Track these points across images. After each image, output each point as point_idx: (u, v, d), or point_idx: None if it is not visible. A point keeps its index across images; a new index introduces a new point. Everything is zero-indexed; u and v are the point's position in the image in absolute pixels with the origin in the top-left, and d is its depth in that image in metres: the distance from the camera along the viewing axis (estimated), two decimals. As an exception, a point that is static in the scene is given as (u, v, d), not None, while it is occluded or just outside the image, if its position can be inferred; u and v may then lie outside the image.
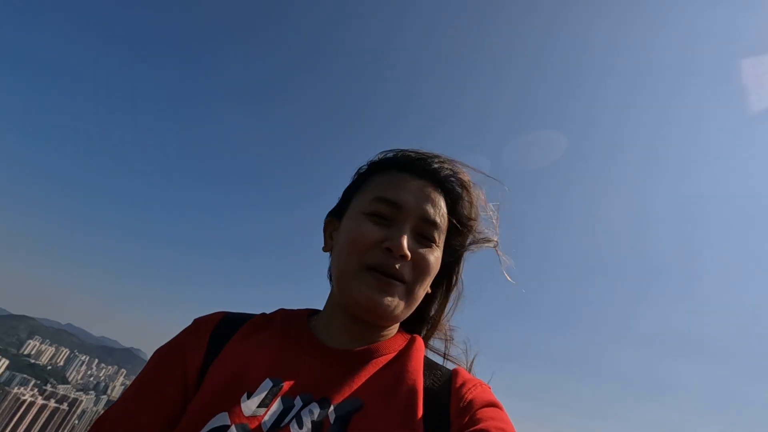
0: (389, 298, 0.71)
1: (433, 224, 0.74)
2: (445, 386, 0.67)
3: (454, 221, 0.77)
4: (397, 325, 0.75)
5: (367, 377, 0.64)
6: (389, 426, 0.60)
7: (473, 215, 0.79)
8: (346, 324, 0.71)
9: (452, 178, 0.78)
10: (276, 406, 0.57)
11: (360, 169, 0.82)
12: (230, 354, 0.65)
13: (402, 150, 0.80)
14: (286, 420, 0.56)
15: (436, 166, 0.77)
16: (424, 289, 0.73)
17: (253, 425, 0.55)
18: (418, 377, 0.67)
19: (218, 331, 0.69)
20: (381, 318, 0.71)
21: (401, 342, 0.71)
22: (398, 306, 0.71)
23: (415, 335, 0.74)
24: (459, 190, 0.79)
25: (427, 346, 0.78)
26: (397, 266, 0.72)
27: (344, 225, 0.74)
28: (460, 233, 0.79)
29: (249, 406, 0.58)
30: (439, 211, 0.75)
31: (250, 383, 0.61)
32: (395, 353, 0.69)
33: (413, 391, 0.66)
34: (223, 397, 0.60)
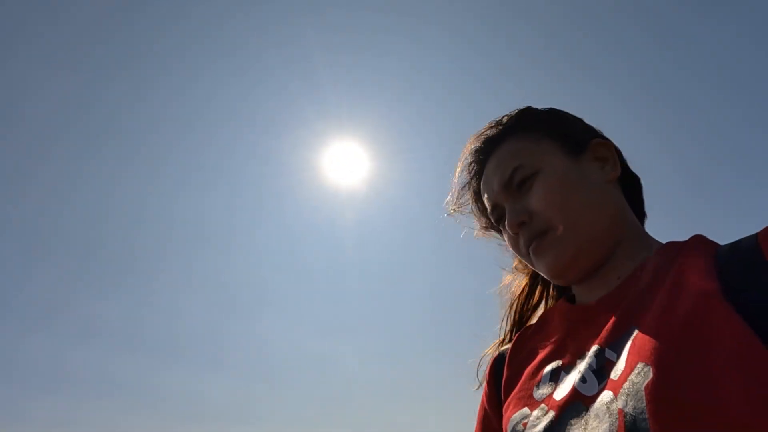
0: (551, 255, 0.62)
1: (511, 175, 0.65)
2: (747, 246, 0.50)
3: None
4: (626, 242, 0.62)
5: (630, 307, 0.55)
6: (673, 319, 0.47)
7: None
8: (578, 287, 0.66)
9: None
10: (561, 379, 0.56)
11: None
12: (509, 377, 0.66)
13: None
14: (571, 383, 0.54)
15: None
16: (575, 207, 0.61)
17: (548, 402, 0.54)
18: (694, 261, 0.53)
19: (494, 369, 0.71)
20: (568, 274, 0.62)
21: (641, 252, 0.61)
22: (566, 254, 0.60)
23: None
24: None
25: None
26: (525, 236, 0.64)
27: None
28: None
29: (540, 393, 0.58)
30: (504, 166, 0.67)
31: (534, 380, 0.60)
32: (645, 266, 0.58)
33: (689, 276, 0.51)
34: (518, 405, 0.60)
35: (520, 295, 0.78)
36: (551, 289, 0.77)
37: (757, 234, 0.50)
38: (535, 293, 0.78)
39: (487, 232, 0.77)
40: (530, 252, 0.64)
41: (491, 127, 0.72)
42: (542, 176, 0.63)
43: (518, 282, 0.80)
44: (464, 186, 0.76)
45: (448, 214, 0.79)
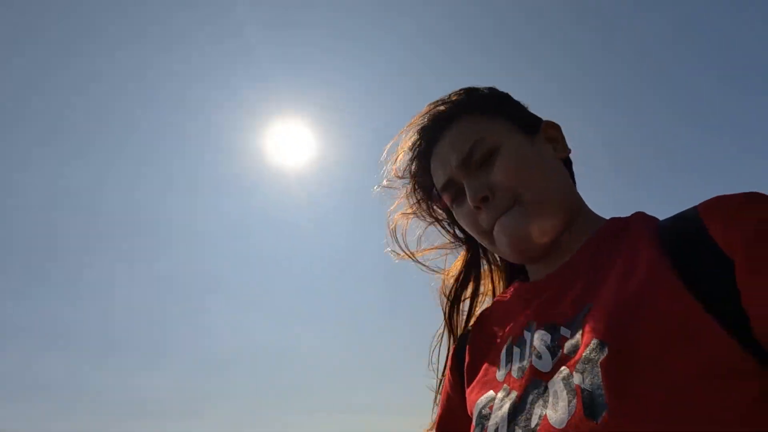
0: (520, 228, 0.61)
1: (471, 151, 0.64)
2: (689, 218, 0.51)
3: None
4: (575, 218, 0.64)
5: (584, 284, 0.56)
6: (627, 296, 0.49)
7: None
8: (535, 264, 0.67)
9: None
10: (516, 357, 0.58)
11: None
12: (471, 362, 0.67)
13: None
14: (527, 360, 0.55)
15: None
16: (540, 183, 0.62)
17: (509, 382, 0.56)
18: (641, 235, 0.55)
19: (456, 355, 0.73)
20: (532, 248, 0.62)
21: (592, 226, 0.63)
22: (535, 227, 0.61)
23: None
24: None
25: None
26: (490, 211, 0.63)
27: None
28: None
29: (501, 374, 0.59)
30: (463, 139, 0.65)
31: (496, 363, 0.61)
32: (598, 241, 0.60)
33: (639, 250, 0.53)
34: (482, 389, 0.61)
35: (456, 283, 0.78)
36: (497, 272, 0.78)
37: (696, 207, 0.52)
38: (470, 280, 0.78)
39: (419, 213, 0.76)
40: (495, 228, 0.63)
41: (440, 104, 0.70)
42: (504, 151, 0.63)
43: (454, 268, 0.79)
44: (407, 165, 0.74)
45: (384, 187, 0.78)
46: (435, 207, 0.76)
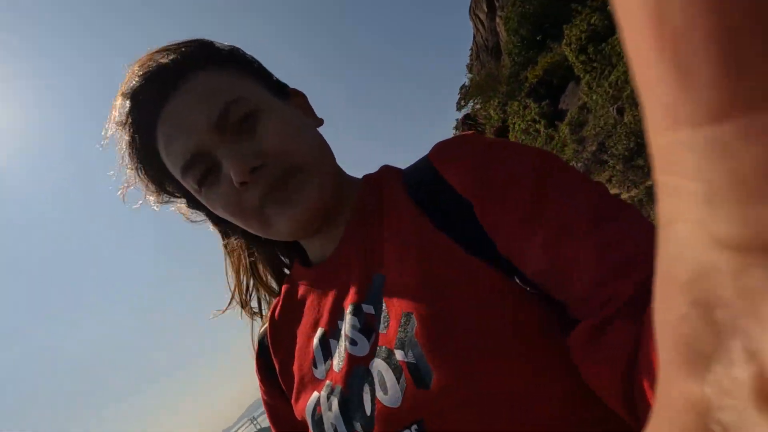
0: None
1: (226, 113, 0.52)
2: (425, 168, 0.53)
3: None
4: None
5: (366, 254, 0.54)
6: (411, 262, 0.50)
7: None
8: (313, 240, 0.61)
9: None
10: (333, 348, 0.55)
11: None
12: (281, 365, 0.62)
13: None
14: (343, 347, 0.53)
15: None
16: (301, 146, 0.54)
17: (332, 377, 0.53)
18: (396, 193, 0.55)
19: (262, 363, 0.65)
20: (316, 220, 0.55)
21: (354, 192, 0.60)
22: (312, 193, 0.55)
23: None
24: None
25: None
26: (262, 185, 0.53)
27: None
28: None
29: (319, 371, 0.56)
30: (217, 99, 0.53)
31: (308, 359, 0.57)
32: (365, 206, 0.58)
33: (400, 209, 0.53)
34: (305, 392, 0.57)
35: (241, 273, 0.68)
36: (260, 259, 0.68)
37: (427, 156, 0.53)
38: (243, 275, 0.67)
39: (162, 199, 0.61)
40: (269, 203, 0.52)
41: (163, 56, 0.53)
42: (267, 114, 0.53)
43: (236, 257, 0.68)
44: (124, 144, 0.55)
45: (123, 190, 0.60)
46: (170, 189, 0.59)
